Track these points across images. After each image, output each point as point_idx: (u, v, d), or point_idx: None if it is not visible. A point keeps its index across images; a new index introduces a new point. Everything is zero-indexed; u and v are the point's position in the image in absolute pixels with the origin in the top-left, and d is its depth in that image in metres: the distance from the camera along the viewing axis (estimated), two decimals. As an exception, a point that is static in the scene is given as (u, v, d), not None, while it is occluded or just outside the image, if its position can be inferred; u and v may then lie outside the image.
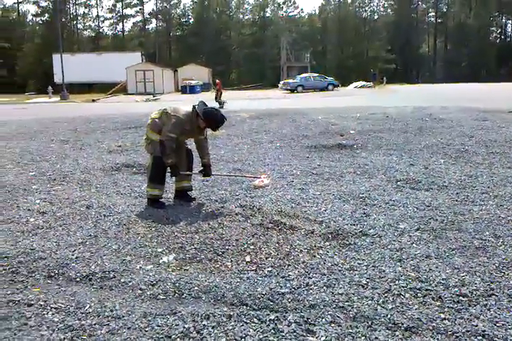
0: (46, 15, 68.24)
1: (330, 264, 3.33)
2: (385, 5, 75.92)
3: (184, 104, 5.06)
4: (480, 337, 2.41)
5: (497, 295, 2.82)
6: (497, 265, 3.24)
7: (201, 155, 5.02)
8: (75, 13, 72.23)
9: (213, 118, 4.72)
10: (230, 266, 3.36)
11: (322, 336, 2.45)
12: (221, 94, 21.58)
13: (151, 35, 74.09)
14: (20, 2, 69.49)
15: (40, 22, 69.97)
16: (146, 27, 75.14)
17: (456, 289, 2.91)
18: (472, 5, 69.33)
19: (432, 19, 74.98)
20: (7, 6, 69.49)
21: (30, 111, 20.14)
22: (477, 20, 65.84)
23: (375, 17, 75.65)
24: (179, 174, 4.87)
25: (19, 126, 12.27)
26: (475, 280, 3.02)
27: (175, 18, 73.47)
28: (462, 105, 13.91)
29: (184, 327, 2.54)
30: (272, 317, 2.64)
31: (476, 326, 2.50)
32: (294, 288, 2.98)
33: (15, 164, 7.27)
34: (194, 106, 4.76)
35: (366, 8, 74.51)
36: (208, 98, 27.07)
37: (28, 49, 63.36)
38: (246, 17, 75.09)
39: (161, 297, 2.93)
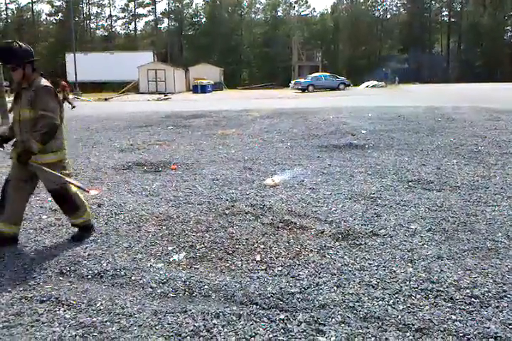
0: (60, 14, 68.89)
1: (340, 264, 3.32)
2: (398, 4, 75.42)
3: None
4: (492, 339, 2.38)
5: (509, 297, 2.79)
6: (510, 266, 3.21)
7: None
8: (88, 13, 72.92)
9: None
10: (240, 265, 3.36)
11: (332, 336, 2.44)
12: (68, 95, 20.99)
13: (163, 35, 74.41)
14: (35, 2, 70.30)
15: (54, 21, 70.66)
16: (158, 26, 75.53)
17: (467, 290, 2.88)
18: (486, 4, 68.53)
19: (446, 18, 74.26)
20: (21, 5, 70.38)
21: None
22: (491, 20, 65.08)
23: (388, 16, 75.21)
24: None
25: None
26: (487, 282, 2.99)
27: (187, 17, 73.71)
28: (475, 105, 13.77)
29: (194, 326, 2.55)
30: (282, 316, 2.64)
31: (488, 328, 2.47)
32: (304, 287, 2.98)
33: (28, 162, 7.35)
34: None
35: (378, 7, 74.12)
36: (220, 97, 27.14)
37: (41, 48, 63.99)
38: (258, 16, 75.17)
39: (172, 295, 2.94)
